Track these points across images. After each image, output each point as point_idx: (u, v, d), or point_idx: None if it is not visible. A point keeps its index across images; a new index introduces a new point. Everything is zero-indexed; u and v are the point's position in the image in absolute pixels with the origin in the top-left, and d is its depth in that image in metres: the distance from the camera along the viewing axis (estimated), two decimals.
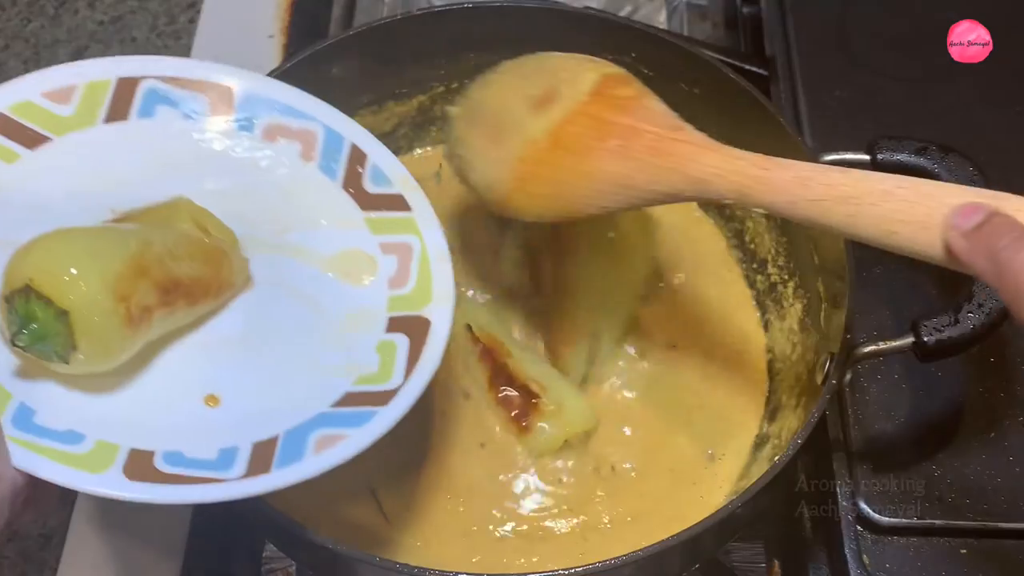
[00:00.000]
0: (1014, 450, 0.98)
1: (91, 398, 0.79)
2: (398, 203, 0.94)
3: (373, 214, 0.93)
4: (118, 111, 0.91)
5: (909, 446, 0.99)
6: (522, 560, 0.95)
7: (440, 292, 0.90)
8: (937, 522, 0.94)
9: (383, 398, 0.82)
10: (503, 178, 0.90)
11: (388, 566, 0.82)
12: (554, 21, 1.12)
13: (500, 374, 1.01)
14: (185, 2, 1.57)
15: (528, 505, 0.98)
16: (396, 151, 1.17)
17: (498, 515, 0.97)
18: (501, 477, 0.99)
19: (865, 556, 0.94)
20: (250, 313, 0.87)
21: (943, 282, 1.04)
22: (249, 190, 0.93)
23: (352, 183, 0.94)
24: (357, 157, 0.95)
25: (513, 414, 1.00)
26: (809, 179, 0.77)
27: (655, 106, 0.88)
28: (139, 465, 0.75)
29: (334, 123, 0.96)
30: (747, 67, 1.24)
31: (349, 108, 1.00)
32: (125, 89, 0.91)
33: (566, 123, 0.87)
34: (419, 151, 1.20)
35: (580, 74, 0.90)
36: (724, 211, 1.15)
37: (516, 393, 1.00)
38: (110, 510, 1.04)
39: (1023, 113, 1.18)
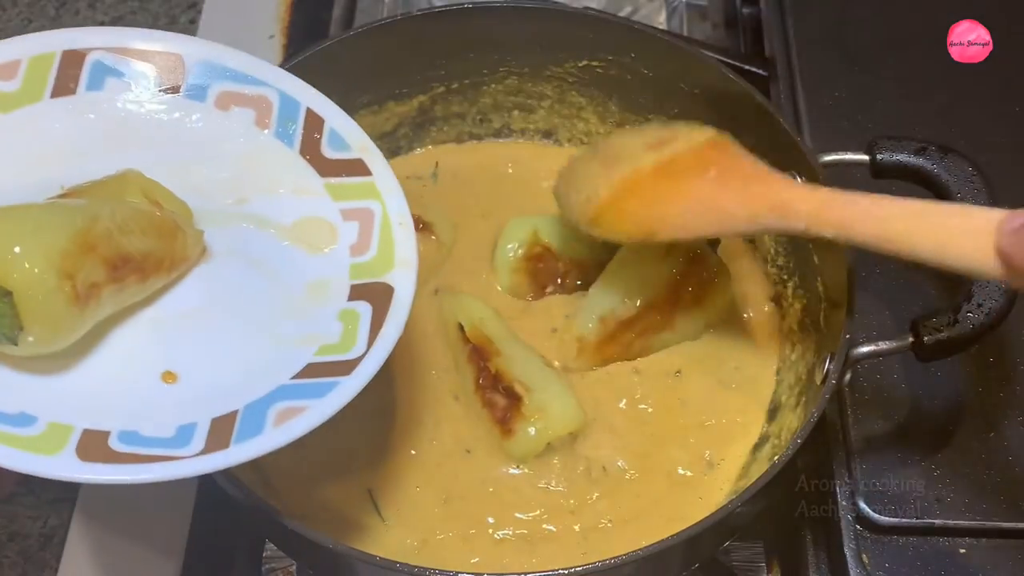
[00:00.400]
0: (1014, 450, 0.98)
1: (44, 379, 0.77)
2: (358, 168, 0.92)
3: (333, 180, 0.91)
4: (65, 85, 0.89)
5: (909, 446, 0.99)
6: (523, 561, 0.95)
7: (403, 257, 0.88)
8: (936, 522, 0.94)
9: (346, 368, 0.81)
10: (600, 193, 0.95)
11: (388, 565, 0.82)
12: (554, 21, 1.12)
13: (487, 375, 1.00)
14: (186, 2, 1.57)
15: (524, 508, 0.98)
16: (396, 151, 1.18)
17: (495, 517, 0.97)
18: (494, 480, 0.99)
19: (865, 556, 0.94)
20: (207, 286, 0.86)
21: (942, 282, 1.04)
22: (203, 161, 0.91)
23: (310, 149, 0.92)
24: (314, 122, 0.93)
25: (497, 417, 0.99)
26: (879, 199, 0.82)
27: (755, 158, 0.94)
28: (93, 446, 0.73)
29: (289, 88, 0.94)
30: (747, 67, 1.24)
31: (349, 108, 1.00)
32: (71, 62, 0.89)
33: (674, 157, 0.93)
34: (419, 150, 1.20)
35: (699, 131, 0.96)
36: None
37: (501, 395, 0.99)
38: (110, 510, 1.04)
39: (1023, 113, 1.18)
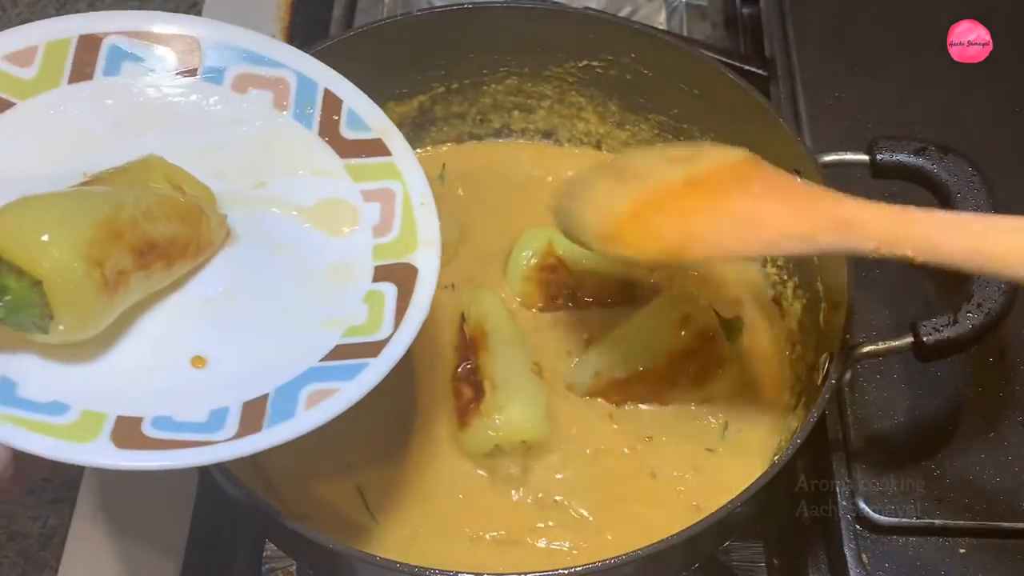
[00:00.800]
0: (1013, 450, 0.98)
1: (74, 367, 0.77)
2: (377, 148, 0.91)
3: (352, 161, 0.91)
4: (82, 70, 0.88)
5: (909, 446, 0.99)
6: (515, 563, 0.94)
7: (425, 237, 0.88)
8: (936, 522, 0.94)
9: (374, 349, 0.81)
10: (620, 207, 0.85)
11: (388, 565, 0.82)
12: (554, 21, 1.12)
13: (467, 367, 1.00)
14: (186, 3, 1.57)
15: (499, 512, 0.97)
16: None
17: (473, 519, 0.96)
18: (463, 480, 0.98)
19: (865, 556, 0.94)
20: (232, 270, 0.86)
21: (942, 282, 1.04)
22: (223, 144, 0.91)
23: (328, 130, 0.92)
24: (332, 103, 0.92)
25: (459, 407, 0.98)
26: (965, 215, 0.75)
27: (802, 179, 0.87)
28: (127, 432, 0.73)
29: (306, 69, 0.93)
30: (747, 67, 1.24)
31: None
32: (88, 47, 0.89)
33: (709, 171, 0.84)
34: (419, 151, 1.20)
35: (729, 150, 0.88)
36: None
37: (469, 388, 0.99)
38: (110, 510, 1.04)
39: (1023, 113, 1.18)
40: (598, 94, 1.17)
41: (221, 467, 0.85)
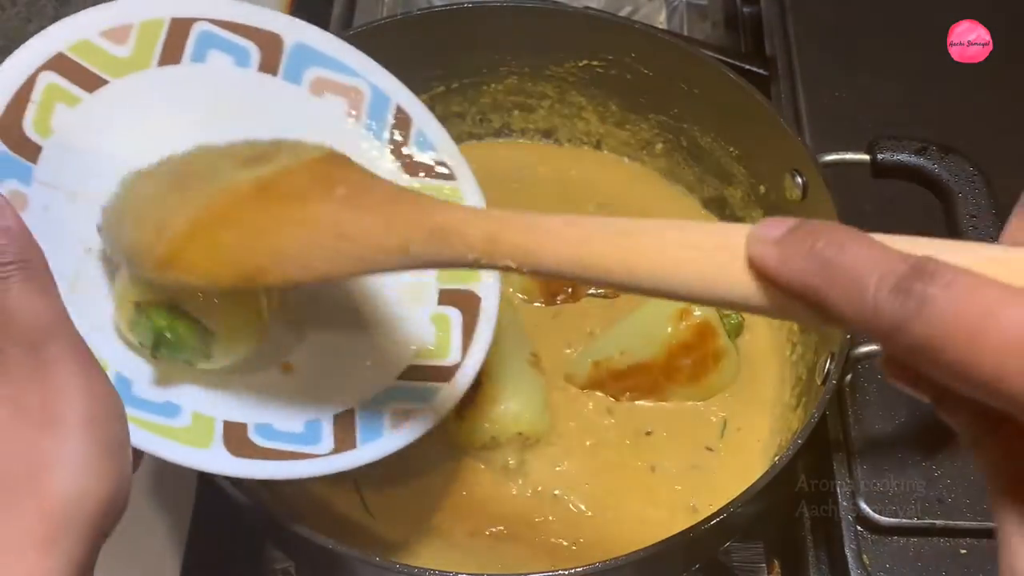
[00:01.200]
0: None
1: (179, 366, 0.77)
2: (442, 171, 0.91)
3: (417, 181, 0.90)
4: (171, 54, 0.85)
5: (909, 446, 0.99)
6: (515, 559, 0.94)
7: None
8: (937, 522, 0.94)
9: (445, 374, 0.82)
10: (176, 224, 0.69)
11: (388, 566, 0.82)
12: (554, 21, 1.12)
13: None
14: None
15: (500, 506, 0.97)
16: None
17: (485, 513, 0.96)
18: (462, 472, 0.98)
19: (865, 556, 0.94)
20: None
21: None
22: None
23: (397, 147, 0.91)
24: (402, 120, 0.92)
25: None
26: (576, 220, 0.62)
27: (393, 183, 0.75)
28: (237, 439, 0.73)
29: (380, 82, 0.92)
30: (747, 67, 1.24)
31: None
32: (179, 30, 0.86)
33: (282, 174, 0.70)
34: None
35: (309, 146, 0.76)
36: (724, 209, 1.15)
37: None
38: None
39: (1023, 113, 1.18)
40: (598, 94, 1.17)
41: None
